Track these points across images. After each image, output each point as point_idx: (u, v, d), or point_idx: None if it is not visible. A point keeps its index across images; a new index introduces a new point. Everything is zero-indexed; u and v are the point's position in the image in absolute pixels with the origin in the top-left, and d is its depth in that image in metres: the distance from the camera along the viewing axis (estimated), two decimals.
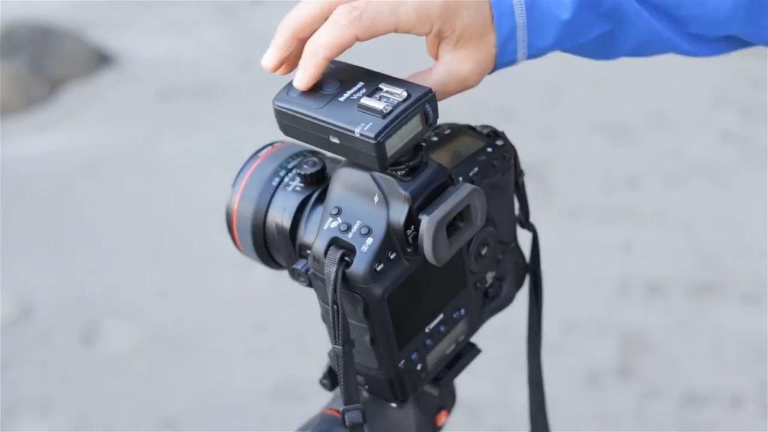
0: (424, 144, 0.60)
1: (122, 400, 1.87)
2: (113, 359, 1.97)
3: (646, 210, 2.29)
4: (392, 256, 0.57)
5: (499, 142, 0.64)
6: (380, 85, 0.57)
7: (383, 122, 0.55)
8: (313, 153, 0.66)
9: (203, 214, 2.33)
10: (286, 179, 0.65)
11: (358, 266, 0.56)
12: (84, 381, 1.92)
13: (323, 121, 0.56)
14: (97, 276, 2.21)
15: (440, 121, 0.59)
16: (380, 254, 0.57)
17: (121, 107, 2.94)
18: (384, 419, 0.67)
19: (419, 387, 0.65)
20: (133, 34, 3.35)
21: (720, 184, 2.37)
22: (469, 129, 0.65)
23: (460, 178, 0.61)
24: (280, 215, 0.64)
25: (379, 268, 0.57)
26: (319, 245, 0.58)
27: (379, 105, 0.55)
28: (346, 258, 0.57)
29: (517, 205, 0.69)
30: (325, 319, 0.61)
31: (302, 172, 0.63)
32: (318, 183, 0.63)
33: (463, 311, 0.66)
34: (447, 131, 0.65)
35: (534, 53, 0.62)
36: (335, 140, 0.56)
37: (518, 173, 0.67)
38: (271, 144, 0.68)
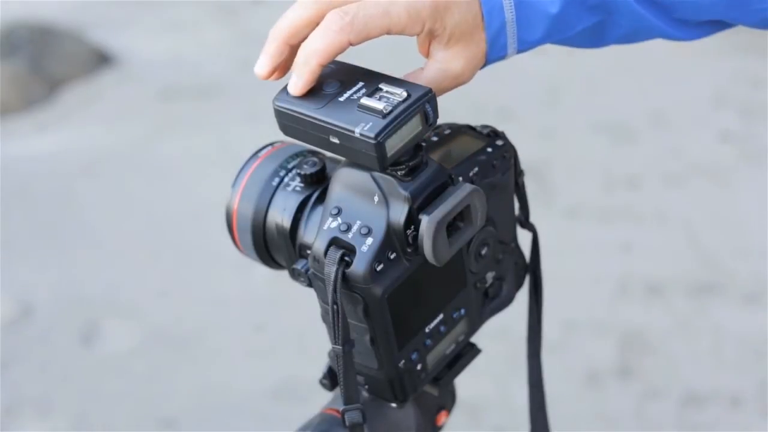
0: (424, 144, 0.60)
1: (122, 400, 1.87)
2: (113, 359, 1.97)
3: (646, 210, 2.29)
4: (392, 256, 0.57)
5: (499, 142, 0.64)
6: (380, 85, 0.57)
7: (383, 122, 0.54)
8: (313, 153, 0.66)
9: (203, 214, 2.33)
10: (286, 179, 0.65)
11: (358, 266, 0.56)
12: (84, 381, 1.92)
13: (323, 121, 0.56)
14: (97, 276, 2.21)
15: (440, 121, 0.59)
16: (380, 254, 0.57)
17: (121, 107, 2.94)
18: (384, 419, 0.67)
19: (419, 387, 0.65)
20: (133, 34, 3.35)
21: (720, 184, 2.37)
22: (469, 129, 0.65)
23: (460, 178, 0.61)
24: (280, 215, 0.64)
25: (379, 268, 0.57)
26: (319, 245, 0.58)
27: (379, 105, 0.55)
28: (346, 258, 0.57)
29: (517, 205, 0.69)
30: (325, 319, 0.61)
31: (302, 172, 0.63)
32: (318, 183, 0.63)
33: (463, 311, 0.66)
34: (447, 131, 0.65)
35: (524, 47, 0.63)
36: (335, 140, 0.56)
37: (518, 173, 0.67)
38: (271, 144, 0.68)
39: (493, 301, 0.69)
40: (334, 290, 0.56)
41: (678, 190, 2.36)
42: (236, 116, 2.76)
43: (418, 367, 0.64)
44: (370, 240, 0.57)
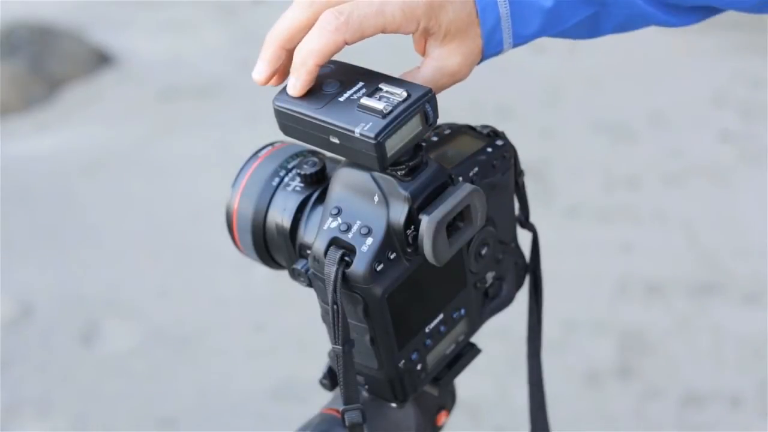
0: (424, 144, 0.60)
1: (122, 400, 1.87)
2: (113, 359, 1.97)
3: (646, 210, 2.30)
4: (392, 256, 0.57)
5: (499, 142, 0.64)
6: (380, 85, 0.57)
7: (383, 122, 0.54)
8: (313, 153, 0.66)
9: (203, 214, 2.33)
10: (286, 179, 0.65)
11: (358, 266, 0.56)
12: (84, 381, 1.92)
13: (323, 121, 0.56)
14: (97, 276, 2.21)
15: (440, 121, 0.59)
16: (380, 254, 0.57)
17: (121, 107, 2.94)
18: (384, 419, 0.67)
19: (419, 387, 0.65)
20: (133, 34, 3.35)
21: (720, 184, 2.38)
22: (469, 129, 0.65)
23: (460, 178, 0.61)
24: (280, 215, 0.64)
25: (379, 268, 0.57)
26: (319, 245, 0.58)
27: (379, 105, 0.55)
28: (346, 258, 0.57)
29: (517, 205, 0.69)
30: (325, 319, 0.61)
31: (302, 172, 0.63)
32: (318, 183, 0.63)
33: (463, 311, 0.66)
34: (447, 131, 0.65)
35: (520, 42, 0.63)
36: (335, 140, 0.56)
37: (518, 173, 0.67)
38: (271, 144, 0.68)
39: (493, 301, 0.69)
40: (334, 290, 0.56)
41: (678, 190, 2.36)
42: (236, 116, 2.76)
43: (418, 367, 0.64)
44: (370, 240, 0.57)
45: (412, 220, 0.57)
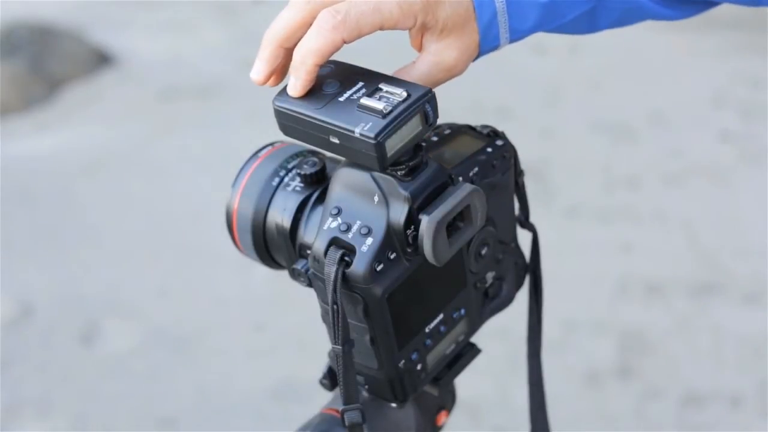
0: (424, 144, 0.60)
1: (122, 400, 1.87)
2: (113, 359, 1.97)
3: (646, 210, 2.30)
4: (392, 256, 0.57)
5: (499, 142, 0.64)
6: (380, 85, 0.57)
7: (383, 122, 0.54)
8: (313, 153, 0.66)
9: (203, 214, 2.33)
10: (286, 179, 0.65)
11: (358, 266, 0.56)
12: (84, 381, 1.92)
13: (323, 121, 0.56)
14: (97, 276, 2.21)
15: (440, 121, 0.59)
16: (380, 254, 0.57)
17: (121, 107, 2.94)
18: (384, 419, 0.67)
19: (419, 387, 0.65)
20: (133, 34, 3.35)
21: (720, 184, 2.38)
22: (469, 129, 0.65)
23: (460, 178, 0.61)
24: (280, 215, 0.64)
25: (379, 268, 0.57)
26: (319, 245, 0.58)
27: (378, 105, 0.55)
28: (346, 258, 0.57)
29: (517, 205, 0.69)
30: (325, 319, 0.61)
31: (302, 172, 0.63)
32: (318, 183, 0.63)
33: (463, 311, 0.66)
34: (447, 131, 0.65)
35: (516, 37, 0.63)
36: (335, 140, 0.56)
37: (518, 173, 0.67)
38: (271, 144, 0.68)
39: (493, 301, 0.69)
40: (334, 290, 0.56)
41: (678, 190, 2.36)
42: (236, 116, 2.76)
43: (418, 367, 0.64)
44: (370, 240, 0.57)
45: (412, 220, 0.57)
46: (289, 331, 1.98)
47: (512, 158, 0.66)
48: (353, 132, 0.55)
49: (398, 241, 0.57)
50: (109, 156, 2.68)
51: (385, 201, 0.57)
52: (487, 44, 0.62)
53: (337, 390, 0.69)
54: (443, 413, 0.72)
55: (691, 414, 1.76)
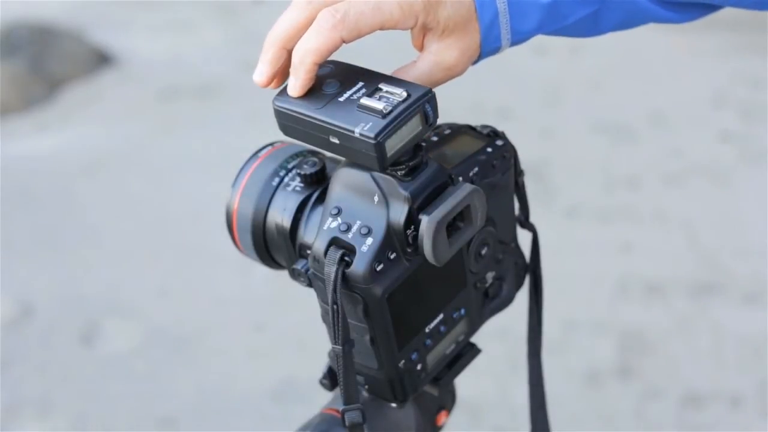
0: (424, 144, 0.60)
1: (122, 400, 1.87)
2: (113, 359, 1.97)
3: (646, 210, 2.30)
4: (392, 256, 0.57)
5: (499, 142, 0.64)
6: (380, 85, 0.57)
7: (383, 122, 0.54)
8: (313, 153, 0.66)
9: (203, 214, 2.33)
10: (286, 179, 0.65)
11: (358, 266, 0.56)
12: (84, 381, 1.92)
13: (323, 121, 0.56)
14: (97, 276, 2.21)
15: (440, 121, 0.59)
16: (380, 254, 0.57)
17: (121, 107, 2.94)
18: (384, 419, 0.67)
19: (419, 387, 0.65)
20: (133, 34, 3.35)
21: (720, 184, 2.38)
22: (469, 129, 0.65)
23: (460, 178, 0.61)
24: (280, 215, 0.64)
25: (379, 268, 0.57)
26: (319, 245, 0.58)
27: (378, 105, 0.55)
28: (346, 258, 0.57)
29: (517, 205, 0.69)
30: (325, 319, 0.61)
31: (302, 172, 0.63)
32: (318, 183, 0.63)
33: (463, 311, 0.66)
34: (447, 131, 0.65)
35: (518, 39, 0.62)
36: (335, 140, 0.56)
37: (518, 173, 0.67)
38: (271, 144, 0.68)
39: (493, 301, 0.69)
40: (334, 290, 0.56)
41: (678, 190, 2.36)
42: (236, 116, 2.76)
43: (418, 367, 0.64)
44: (370, 240, 0.57)
45: (412, 220, 0.57)
46: (289, 331, 1.98)
47: (512, 158, 0.65)
48: (353, 132, 0.55)
49: (398, 241, 0.57)
50: (109, 156, 2.68)
51: (385, 201, 0.57)
52: (488, 45, 0.61)
53: (337, 390, 0.69)
54: (443, 413, 0.72)
55: (691, 414, 1.76)
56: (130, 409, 1.85)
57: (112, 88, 3.05)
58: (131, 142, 2.74)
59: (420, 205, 0.57)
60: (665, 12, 0.64)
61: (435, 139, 0.64)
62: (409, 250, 0.58)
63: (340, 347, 0.57)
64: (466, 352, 0.69)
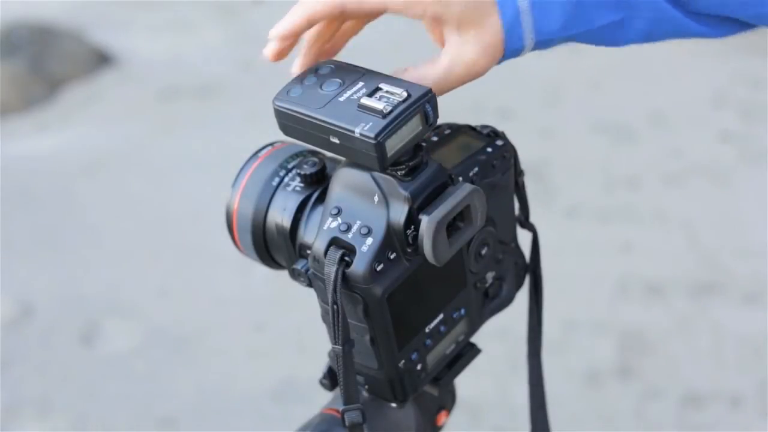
0: (424, 144, 0.60)
1: (122, 400, 1.87)
2: (113, 359, 1.97)
3: (646, 210, 2.30)
4: (392, 256, 0.57)
5: (499, 142, 0.64)
6: (380, 85, 0.57)
7: (383, 122, 0.54)
8: (313, 153, 0.66)
9: (203, 214, 2.33)
10: (286, 179, 0.65)
11: (358, 266, 0.56)
12: (84, 381, 1.92)
13: (323, 121, 0.56)
14: (97, 276, 2.21)
15: (440, 121, 0.59)
16: (380, 254, 0.57)
17: (121, 107, 2.94)
18: (384, 419, 0.67)
19: (419, 387, 0.65)
20: (133, 34, 3.35)
21: (720, 184, 2.38)
22: (469, 129, 0.65)
23: (460, 178, 0.61)
24: (280, 215, 0.64)
25: (379, 268, 0.57)
26: (319, 245, 0.58)
27: (379, 105, 0.55)
28: (346, 258, 0.57)
29: (517, 205, 0.69)
30: (325, 319, 0.61)
31: (302, 172, 0.63)
32: (318, 183, 0.63)
33: (463, 311, 0.66)
34: (447, 131, 0.65)
35: (542, 39, 0.61)
36: (335, 140, 0.56)
37: (518, 173, 0.67)
38: (271, 144, 0.68)
39: (493, 301, 0.69)
40: (334, 290, 0.56)
41: (678, 190, 2.36)
42: (236, 116, 2.76)
43: (418, 367, 0.64)
44: (370, 240, 0.57)
45: (412, 220, 0.57)
46: (289, 331, 1.98)
47: (512, 158, 0.65)
48: (353, 132, 0.55)
49: (398, 241, 0.57)
50: (109, 156, 2.68)
51: (385, 201, 0.57)
52: (511, 44, 0.60)
53: (337, 390, 0.69)
54: (443, 413, 0.72)
55: (691, 414, 1.75)
56: (130, 409, 1.85)
57: (112, 88, 3.05)
58: (131, 142, 2.74)
59: (420, 205, 0.57)
60: (698, 26, 0.62)
61: (435, 139, 0.64)
62: (409, 250, 0.58)
63: (340, 347, 0.57)
64: (466, 352, 0.69)
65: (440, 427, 0.73)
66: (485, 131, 0.65)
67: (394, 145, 0.55)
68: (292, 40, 0.59)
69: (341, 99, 0.56)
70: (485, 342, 0.72)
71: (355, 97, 0.56)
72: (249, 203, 0.65)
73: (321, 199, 0.62)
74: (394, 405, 0.66)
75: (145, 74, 3.11)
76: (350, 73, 0.59)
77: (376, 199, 0.57)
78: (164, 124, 2.82)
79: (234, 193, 0.66)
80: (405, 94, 0.56)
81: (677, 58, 2.90)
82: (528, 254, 0.72)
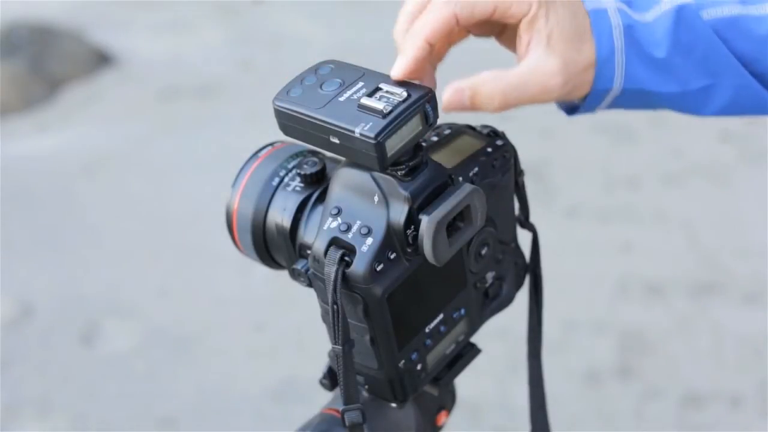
0: (424, 144, 0.60)
1: (122, 400, 1.87)
2: (113, 359, 1.97)
3: (646, 210, 2.30)
4: (392, 256, 0.57)
5: (499, 142, 0.64)
6: (380, 85, 0.57)
7: (383, 122, 0.54)
8: (313, 153, 0.66)
9: (203, 214, 2.33)
10: (286, 179, 0.65)
11: (358, 266, 0.56)
12: (84, 381, 1.92)
13: (323, 121, 0.56)
14: (97, 276, 2.21)
15: (440, 121, 0.59)
16: (380, 254, 0.57)
17: (121, 107, 2.94)
18: (384, 419, 0.67)
19: (419, 387, 0.65)
20: (133, 34, 3.35)
21: (720, 184, 2.38)
22: (469, 129, 0.65)
23: (460, 178, 0.60)
24: (280, 215, 0.64)
25: (379, 268, 0.57)
26: (319, 245, 0.58)
27: (379, 105, 0.55)
28: (346, 258, 0.57)
29: (517, 205, 0.69)
30: (325, 319, 0.61)
31: (302, 172, 0.63)
32: (318, 183, 0.63)
33: (463, 311, 0.66)
34: (447, 131, 0.64)
35: (630, 86, 0.58)
36: (335, 140, 0.56)
37: (518, 173, 0.67)
38: (271, 144, 0.68)
39: (493, 301, 0.69)
40: (334, 290, 0.56)
41: (678, 190, 2.36)
42: (236, 116, 2.76)
43: (418, 367, 0.64)
44: (370, 240, 0.57)
45: (412, 220, 0.57)
46: (289, 331, 1.98)
47: (512, 158, 0.65)
48: (353, 132, 0.55)
49: (398, 241, 0.57)
50: (109, 156, 2.68)
51: (385, 201, 0.57)
52: (600, 84, 0.58)
53: (337, 390, 0.69)
54: (443, 413, 0.72)
55: (691, 414, 1.76)
56: (130, 409, 1.85)
57: (112, 88, 3.05)
58: (131, 142, 2.74)
59: (420, 205, 0.57)
60: None
61: (435, 139, 0.64)
62: (409, 250, 0.58)
63: (340, 347, 0.57)
64: (466, 352, 0.69)
65: (440, 427, 0.73)
66: (485, 131, 0.65)
67: (394, 145, 0.55)
68: (419, 68, 0.58)
69: (341, 99, 0.56)
70: (485, 342, 0.72)
71: (355, 97, 0.56)
72: (249, 203, 0.65)
73: (321, 199, 0.62)
74: (394, 405, 0.66)
75: (145, 74, 3.11)
76: (350, 72, 0.59)
77: (376, 199, 0.57)
78: (164, 124, 2.82)
79: (234, 193, 0.66)
80: (405, 94, 0.56)
81: None
82: (528, 254, 0.72)
